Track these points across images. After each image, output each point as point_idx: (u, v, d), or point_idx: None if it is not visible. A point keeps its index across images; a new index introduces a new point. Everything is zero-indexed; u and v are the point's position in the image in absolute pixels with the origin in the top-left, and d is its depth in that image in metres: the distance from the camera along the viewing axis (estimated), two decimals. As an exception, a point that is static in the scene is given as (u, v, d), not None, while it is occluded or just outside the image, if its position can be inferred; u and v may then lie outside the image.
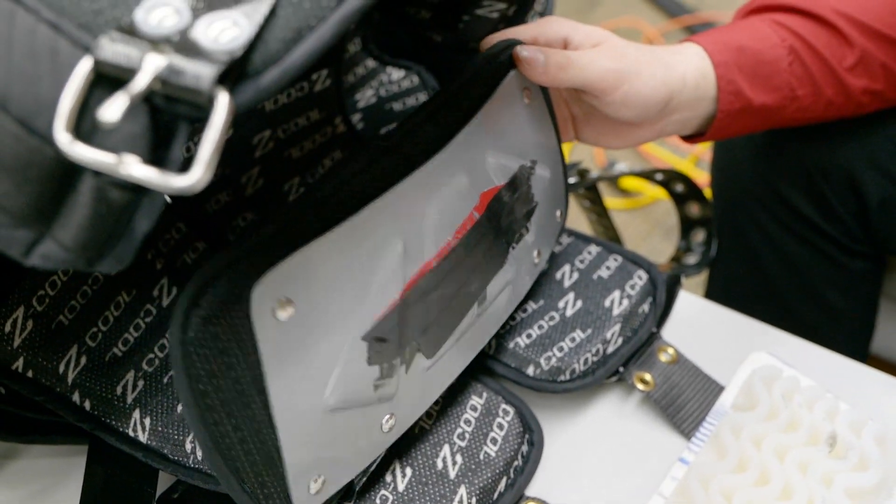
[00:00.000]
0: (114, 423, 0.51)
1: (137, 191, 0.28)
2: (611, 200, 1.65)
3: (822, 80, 0.65)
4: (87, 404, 0.51)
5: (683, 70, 0.59)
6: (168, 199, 0.30)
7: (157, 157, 0.28)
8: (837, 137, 0.77)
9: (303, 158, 0.69)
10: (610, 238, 0.92)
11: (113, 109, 0.26)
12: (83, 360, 0.52)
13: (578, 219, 0.99)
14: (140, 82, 0.27)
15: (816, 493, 0.52)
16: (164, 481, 0.52)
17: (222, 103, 0.27)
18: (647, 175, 0.77)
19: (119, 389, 0.52)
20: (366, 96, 0.76)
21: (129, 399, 0.52)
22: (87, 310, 0.53)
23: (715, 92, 0.61)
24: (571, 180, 0.75)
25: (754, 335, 0.67)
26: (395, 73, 0.76)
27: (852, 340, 0.88)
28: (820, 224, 0.81)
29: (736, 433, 0.56)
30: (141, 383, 0.53)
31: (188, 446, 0.50)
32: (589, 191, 0.82)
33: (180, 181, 0.27)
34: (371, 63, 0.76)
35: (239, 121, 0.63)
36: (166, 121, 0.28)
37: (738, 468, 0.54)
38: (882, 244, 0.81)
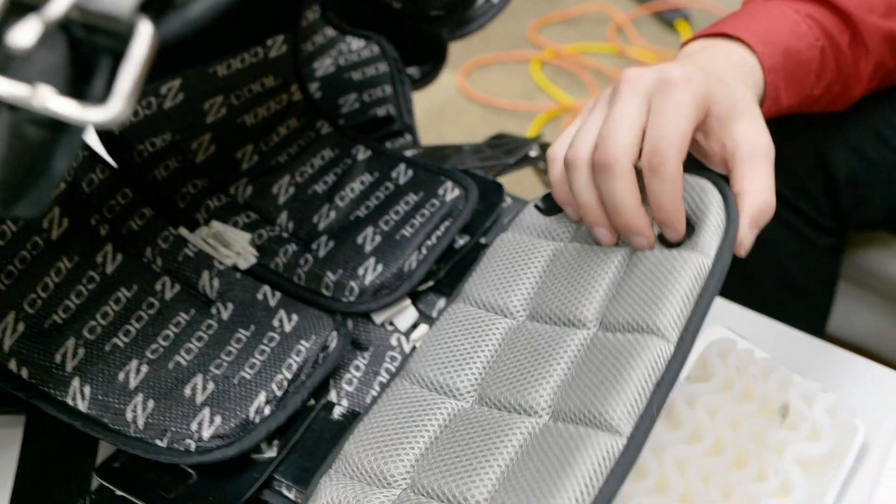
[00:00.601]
0: (52, 391, 0.50)
1: (55, 128, 0.27)
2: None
3: (838, 83, 0.65)
4: (24, 372, 0.49)
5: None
6: (93, 144, 0.28)
7: (76, 91, 0.27)
8: (810, 115, 0.77)
9: (257, 126, 0.67)
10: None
11: (25, 34, 0.24)
12: (20, 327, 0.50)
13: (539, 191, 0.98)
14: (56, 8, 0.25)
15: (769, 462, 0.52)
16: (103, 451, 0.51)
17: (144, 33, 0.26)
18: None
19: (58, 357, 0.51)
20: (324, 65, 0.74)
21: (69, 367, 0.50)
22: (26, 276, 0.52)
23: (762, 97, 0.57)
24: (532, 153, 0.74)
25: (714, 310, 0.66)
26: (355, 43, 0.75)
27: (811, 316, 0.89)
28: (789, 198, 0.81)
29: (690, 404, 0.55)
30: (81, 351, 0.51)
31: (129, 415, 0.49)
32: (549, 165, 0.81)
33: (98, 114, 0.26)
34: (330, 32, 0.74)
35: (188, 84, 0.61)
36: (86, 53, 0.27)
37: (692, 438, 0.54)
38: (847, 219, 0.81)
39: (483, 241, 0.64)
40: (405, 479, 0.45)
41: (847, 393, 0.60)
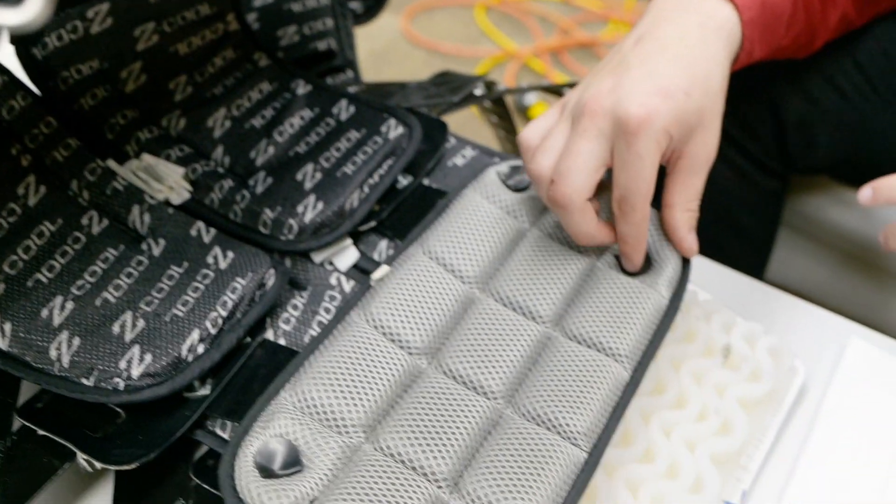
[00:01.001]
0: (-30, 328, 0.47)
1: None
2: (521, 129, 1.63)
3: (805, 34, 0.64)
4: (-61, 308, 0.47)
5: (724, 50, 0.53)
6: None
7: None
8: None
9: (191, 56, 0.64)
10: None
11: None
12: (-65, 260, 0.47)
13: (484, 133, 0.96)
14: None
15: (710, 402, 0.52)
16: (26, 392, 0.48)
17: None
18: (556, 90, 0.74)
19: (-24, 293, 0.48)
20: (262, -5, 0.71)
21: (-12, 303, 0.48)
22: (-59, 206, 0.49)
23: (737, 53, 0.56)
24: (477, 92, 0.73)
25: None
26: (294, -27, 0.72)
27: (751, 260, 0.89)
28: (738, 139, 0.81)
29: (633, 345, 0.55)
30: (1, 287, 0.48)
31: (53, 353, 0.46)
32: (496, 105, 0.79)
33: (13, 16, 0.23)
34: (268, -40, 0.71)
35: (118, 8, 0.58)
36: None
37: (634, 379, 0.54)
38: (794, 162, 0.82)
39: (426, 182, 0.62)
40: (359, 429, 0.44)
41: (787, 335, 0.61)
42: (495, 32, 1.91)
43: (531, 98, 1.65)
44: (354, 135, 0.61)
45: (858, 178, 0.84)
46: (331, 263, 0.57)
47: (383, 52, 1.81)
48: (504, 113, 0.79)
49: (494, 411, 0.47)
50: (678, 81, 0.48)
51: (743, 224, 0.84)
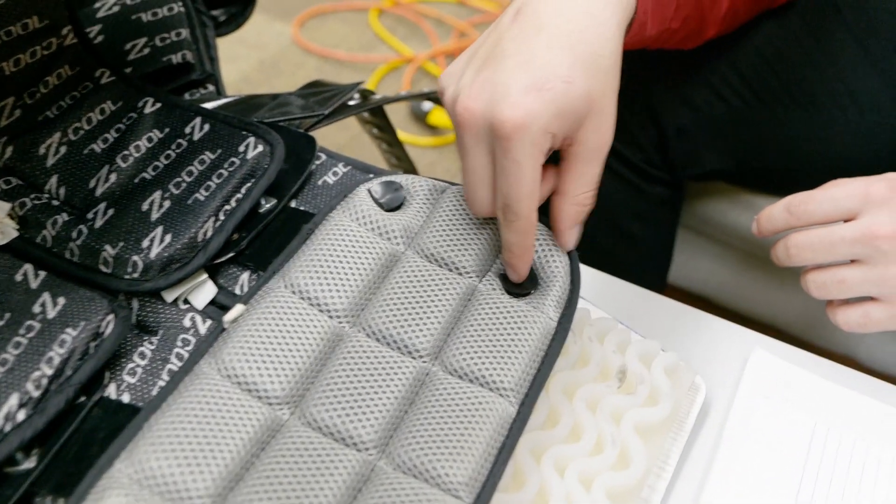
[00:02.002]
0: None
1: None
2: (420, 138, 1.58)
3: (694, 19, 0.62)
4: None
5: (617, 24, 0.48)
6: None
7: None
8: (639, 63, 0.74)
9: (19, 75, 0.57)
10: (405, 171, 0.85)
11: None
12: None
13: (366, 147, 0.91)
14: None
15: (606, 431, 0.48)
16: None
17: None
18: (435, 98, 0.70)
19: None
20: (107, 4, 0.65)
21: None
22: None
23: (630, 22, 0.52)
24: (352, 102, 0.67)
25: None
26: (144, -21, 0.65)
27: (650, 269, 0.86)
28: (621, 151, 0.78)
29: (523, 373, 0.50)
30: None
31: None
32: (375, 116, 0.74)
33: None
34: (112, -34, 0.64)
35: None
36: None
37: (524, 411, 0.49)
38: (679, 171, 0.79)
39: (293, 204, 0.57)
40: (208, 498, 0.38)
41: (688, 350, 0.57)
42: (390, 37, 1.86)
43: (429, 104, 1.60)
44: (209, 156, 0.55)
45: (751, 181, 0.83)
46: (186, 302, 0.51)
47: (273, 61, 1.74)
48: (384, 124, 0.74)
49: (366, 464, 0.42)
50: (557, 69, 0.43)
51: (635, 234, 0.81)
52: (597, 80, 0.45)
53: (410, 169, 0.81)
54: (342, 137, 1.49)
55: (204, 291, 0.51)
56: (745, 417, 0.53)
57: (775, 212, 0.56)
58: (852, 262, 0.54)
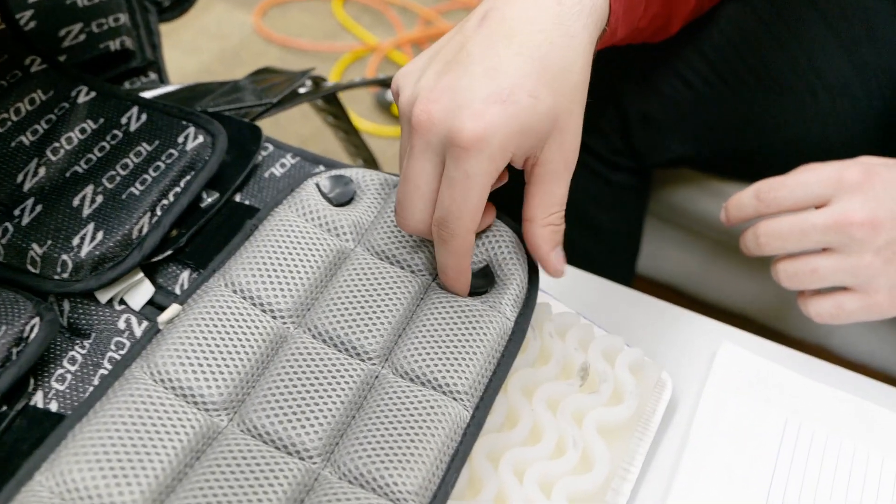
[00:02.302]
0: None
1: None
2: (385, 128, 1.55)
3: (662, 16, 0.59)
4: None
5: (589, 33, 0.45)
6: None
7: None
8: (604, 50, 0.71)
9: (-60, 65, 0.53)
10: (365, 159, 0.82)
11: None
12: None
13: (330, 138, 0.88)
14: None
15: (567, 432, 0.45)
16: None
17: None
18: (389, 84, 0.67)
19: None
20: (40, -11, 0.61)
21: None
22: None
23: (602, 31, 0.48)
24: (302, 90, 0.64)
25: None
26: (79, -38, 0.62)
27: (619, 260, 0.84)
28: (583, 139, 0.75)
29: (480, 372, 0.48)
30: None
31: None
32: (329, 104, 0.71)
33: None
34: (46, -52, 0.61)
35: None
36: None
37: (481, 413, 0.46)
38: (644, 158, 0.76)
39: (237, 198, 0.54)
40: None
41: (654, 344, 0.55)
42: (354, 26, 1.83)
43: (389, 95, 1.57)
44: (145, 148, 0.52)
45: (719, 168, 0.81)
46: (122, 302, 0.48)
47: (235, 51, 1.70)
48: (340, 112, 0.71)
49: (309, 473, 0.39)
50: (524, 81, 0.41)
51: (600, 223, 0.79)
52: (563, 96, 0.42)
53: (369, 158, 0.78)
54: (307, 129, 1.46)
55: (141, 291, 0.48)
56: (714, 415, 0.51)
57: (744, 199, 0.54)
58: (824, 250, 0.52)
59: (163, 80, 0.64)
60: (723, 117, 0.72)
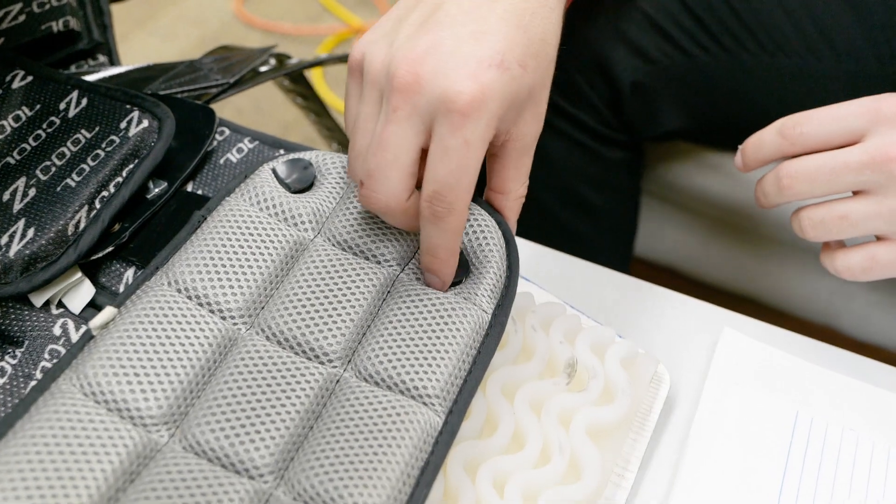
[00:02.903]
0: None
1: None
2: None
3: None
4: None
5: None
6: None
7: None
8: (584, 12, 0.66)
9: None
10: (340, 143, 0.77)
11: None
12: None
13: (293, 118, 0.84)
14: None
15: (553, 437, 0.41)
16: None
17: None
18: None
19: None
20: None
21: None
22: None
23: None
24: (264, 68, 0.60)
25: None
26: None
27: (616, 242, 0.79)
28: (572, 112, 0.70)
29: (457, 371, 0.43)
30: None
31: None
32: (297, 84, 0.66)
33: None
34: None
35: None
36: None
37: (458, 417, 0.42)
38: (637, 131, 0.71)
39: (190, 188, 0.49)
40: None
41: (648, 335, 0.50)
42: (337, 7, 1.77)
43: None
44: (84, 135, 0.47)
45: (717, 140, 0.76)
46: (61, 305, 0.44)
47: (214, 36, 1.64)
48: (308, 92, 0.66)
49: (259, 495, 0.35)
50: (513, 49, 0.38)
51: (593, 203, 0.74)
52: (541, 69, 0.40)
53: (345, 141, 0.73)
54: (290, 114, 1.41)
55: (80, 293, 0.44)
56: (717, 410, 0.46)
57: (765, 137, 0.48)
58: (855, 194, 0.46)
59: (113, 63, 0.59)
60: (719, 84, 0.67)
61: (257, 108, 1.43)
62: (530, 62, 0.39)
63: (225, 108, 1.36)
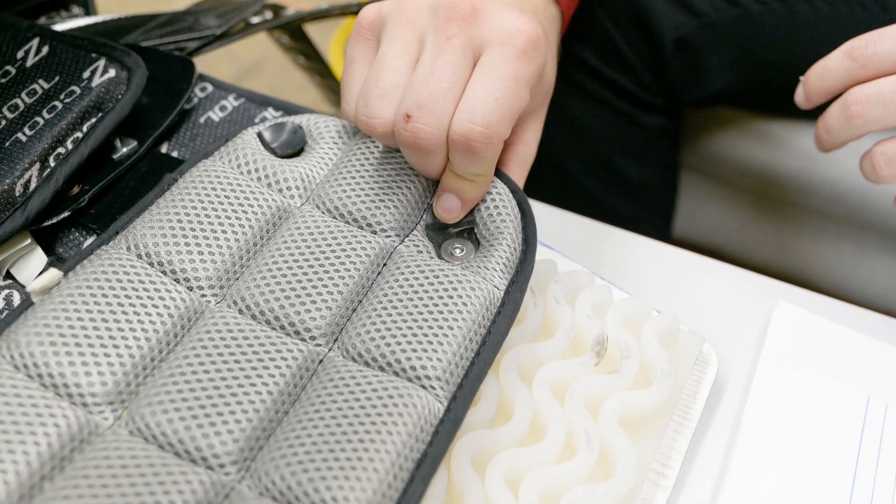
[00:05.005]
0: None
1: None
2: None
3: None
4: None
5: None
6: None
7: None
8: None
9: None
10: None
11: None
12: None
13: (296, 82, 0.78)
14: None
15: (579, 426, 0.34)
16: None
17: None
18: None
19: None
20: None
21: None
22: None
23: None
24: (255, 19, 0.54)
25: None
26: None
27: (652, 220, 0.73)
28: (608, 74, 0.63)
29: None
30: None
31: None
32: (297, 41, 0.60)
33: None
34: None
35: None
36: None
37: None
38: (679, 95, 0.65)
39: (165, 149, 0.43)
40: None
41: (692, 309, 0.44)
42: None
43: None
44: (41, 86, 0.42)
45: (767, 104, 0.68)
46: (9, 276, 0.38)
47: None
48: (310, 50, 0.60)
49: (220, 488, 0.29)
50: (532, 20, 0.37)
51: (629, 177, 0.67)
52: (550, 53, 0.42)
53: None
54: (299, 78, 1.33)
55: (31, 262, 0.38)
56: (772, 396, 0.39)
57: (831, 62, 0.43)
58: None
59: (90, 13, 0.54)
60: (773, 38, 0.60)
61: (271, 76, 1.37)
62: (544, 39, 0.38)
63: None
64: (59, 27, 0.49)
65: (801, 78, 0.45)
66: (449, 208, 0.37)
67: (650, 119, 0.66)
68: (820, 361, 0.41)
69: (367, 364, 0.33)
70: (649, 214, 0.72)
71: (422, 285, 0.35)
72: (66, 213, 0.39)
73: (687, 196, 0.78)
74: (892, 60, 0.40)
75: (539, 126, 0.42)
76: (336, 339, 0.34)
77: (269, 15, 0.55)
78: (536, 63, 0.37)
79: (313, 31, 0.67)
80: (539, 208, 0.48)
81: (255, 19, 0.53)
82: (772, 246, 0.78)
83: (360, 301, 0.35)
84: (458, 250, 0.37)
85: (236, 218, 0.36)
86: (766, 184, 0.73)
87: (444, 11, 0.36)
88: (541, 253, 0.43)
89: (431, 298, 0.34)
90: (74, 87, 0.41)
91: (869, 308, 0.67)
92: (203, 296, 0.34)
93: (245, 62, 1.49)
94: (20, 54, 0.44)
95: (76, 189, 0.40)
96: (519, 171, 0.41)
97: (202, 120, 0.45)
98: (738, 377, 0.41)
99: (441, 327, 0.33)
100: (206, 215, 0.36)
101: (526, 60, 0.36)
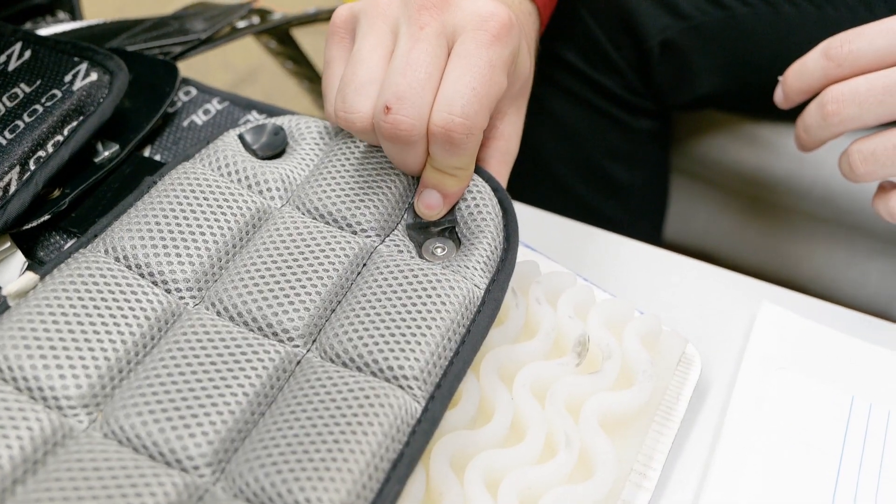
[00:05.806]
0: None
1: None
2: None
3: None
4: None
5: None
6: None
7: None
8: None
9: None
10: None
11: None
12: None
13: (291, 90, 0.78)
14: None
15: (559, 427, 0.34)
16: None
17: None
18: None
19: None
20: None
21: None
22: None
23: None
24: (241, 24, 0.54)
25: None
26: None
27: (644, 224, 0.72)
28: (595, 77, 0.63)
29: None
30: None
31: None
32: (284, 46, 0.60)
33: None
34: None
35: None
36: None
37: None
38: (666, 97, 0.64)
39: (148, 152, 0.44)
40: None
41: (675, 310, 0.44)
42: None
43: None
44: (23, 89, 0.42)
45: (755, 106, 0.68)
46: (-11, 281, 0.38)
47: None
48: (298, 55, 0.60)
49: (192, 490, 0.28)
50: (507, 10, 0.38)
51: (619, 180, 0.67)
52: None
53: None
54: (295, 86, 1.34)
55: (10, 266, 0.38)
56: (755, 396, 0.39)
57: (808, 62, 0.43)
58: None
59: (77, 19, 0.54)
60: (760, 41, 0.60)
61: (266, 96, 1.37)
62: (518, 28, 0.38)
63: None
64: (45, 32, 0.49)
65: (780, 78, 0.45)
66: (430, 204, 0.37)
67: (638, 122, 0.66)
68: (803, 362, 0.41)
69: (344, 364, 0.33)
70: (640, 218, 0.72)
71: (400, 285, 0.35)
72: (47, 217, 0.39)
73: (678, 200, 0.78)
74: (867, 59, 0.40)
75: (519, 121, 0.42)
76: (314, 340, 0.34)
77: (255, 19, 0.55)
78: (511, 47, 0.37)
79: (305, 37, 0.68)
80: (522, 210, 0.48)
81: (242, 24, 0.53)
82: (763, 249, 0.77)
83: (339, 301, 0.35)
84: (439, 249, 0.37)
85: (215, 220, 0.36)
86: (756, 187, 0.73)
87: (416, 1, 0.36)
88: (523, 254, 0.43)
89: (410, 298, 0.34)
90: (56, 91, 0.41)
91: (860, 311, 0.67)
92: (181, 298, 0.34)
93: (240, 70, 1.49)
94: (2, 59, 0.44)
95: (57, 192, 0.40)
96: (500, 167, 0.41)
97: (185, 123, 0.45)
98: (722, 378, 0.41)
99: (419, 327, 0.33)
100: (185, 217, 0.36)
101: (500, 45, 0.36)
